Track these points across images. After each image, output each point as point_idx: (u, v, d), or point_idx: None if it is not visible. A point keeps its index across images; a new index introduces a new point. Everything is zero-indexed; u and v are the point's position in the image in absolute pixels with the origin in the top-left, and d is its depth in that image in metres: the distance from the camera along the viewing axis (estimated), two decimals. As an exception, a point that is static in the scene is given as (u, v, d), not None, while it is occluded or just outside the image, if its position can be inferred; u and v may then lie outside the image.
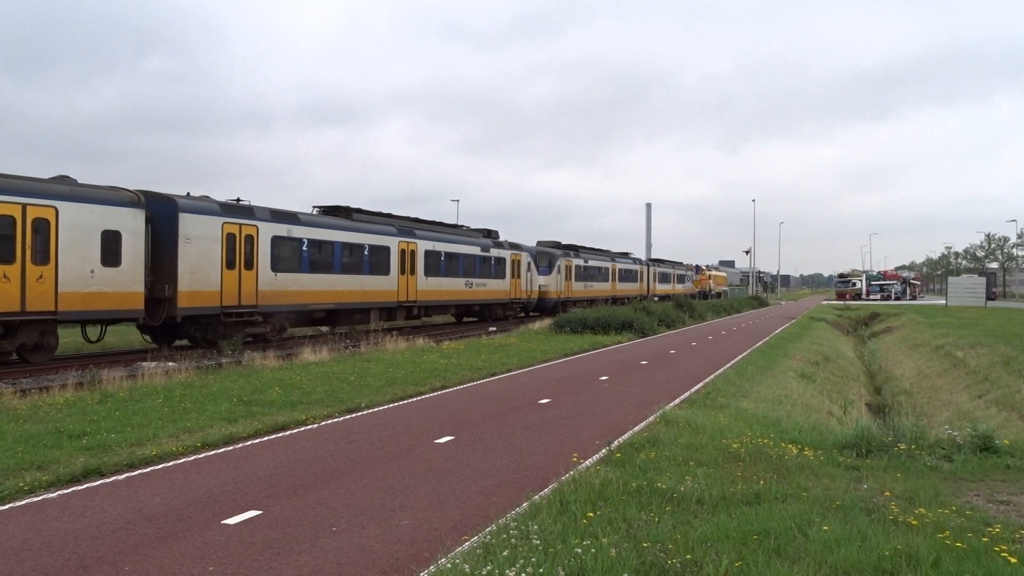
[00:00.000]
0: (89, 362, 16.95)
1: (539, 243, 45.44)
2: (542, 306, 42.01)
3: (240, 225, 21.12)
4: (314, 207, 26.95)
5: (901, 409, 20.81)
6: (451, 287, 32.08)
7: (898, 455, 8.83)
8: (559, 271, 43.04)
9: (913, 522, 6.14)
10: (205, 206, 20.30)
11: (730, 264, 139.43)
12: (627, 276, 56.17)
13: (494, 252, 36.00)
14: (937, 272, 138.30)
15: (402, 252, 28.42)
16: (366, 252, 26.36)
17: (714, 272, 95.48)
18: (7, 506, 6.97)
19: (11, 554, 5.75)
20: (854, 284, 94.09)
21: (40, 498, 7.23)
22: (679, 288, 70.97)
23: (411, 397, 13.62)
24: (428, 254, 30.22)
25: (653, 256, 78.31)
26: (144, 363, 16.50)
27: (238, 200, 22.24)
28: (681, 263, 78.87)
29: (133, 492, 7.44)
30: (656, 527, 5.96)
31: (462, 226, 36.41)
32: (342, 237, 25.26)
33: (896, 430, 9.76)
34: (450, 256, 31.90)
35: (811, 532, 5.82)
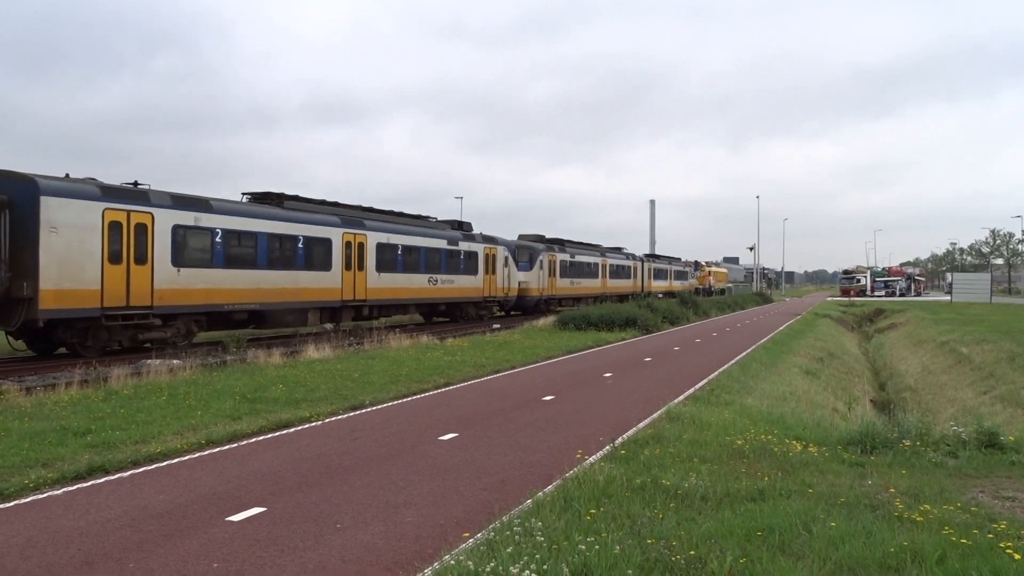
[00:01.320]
0: (94, 360, 16.96)
1: (521, 236, 42.22)
2: (522, 304, 39.11)
3: (128, 212, 17.97)
4: (243, 194, 23.90)
5: (906, 405, 20.80)
6: (410, 284, 28.79)
7: (903, 451, 8.81)
8: (541, 266, 39.84)
9: (918, 518, 6.12)
10: (78, 188, 17.38)
11: (734, 261, 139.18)
12: (619, 272, 52.88)
13: (463, 245, 32.56)
14: (942, 268, 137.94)
15: (347, 245, 25.14)
16: (300, 244, 23.17)
17: (714, 268, 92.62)
18: (12, 503, 7.00)
19: (16, 551, 5.77)
20: (859, 280, 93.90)
21: (45, 495, 7.26)
22: (676, 285, 67.86)
23: (415, 394, 13.63)
24: (381, 247, 26.96)
25: (656, 252, 77.84)
26: (149, 360, 16.53)
27: (135, 184, 19.22)
28: (679, 259, 75.89)
29: (138, 489, 7.46)
30: (660, 524, 5.95)
31: (428, 217, 32.67)
32: (268, 227, 21.99)
33: (901, 426, 9.74)
34: (408, 249, 28.64)
35: (815, 528, 5.81)
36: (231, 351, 18.77)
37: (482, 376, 16.26)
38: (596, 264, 48.43)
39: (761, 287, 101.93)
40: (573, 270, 44.63)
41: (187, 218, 19.68)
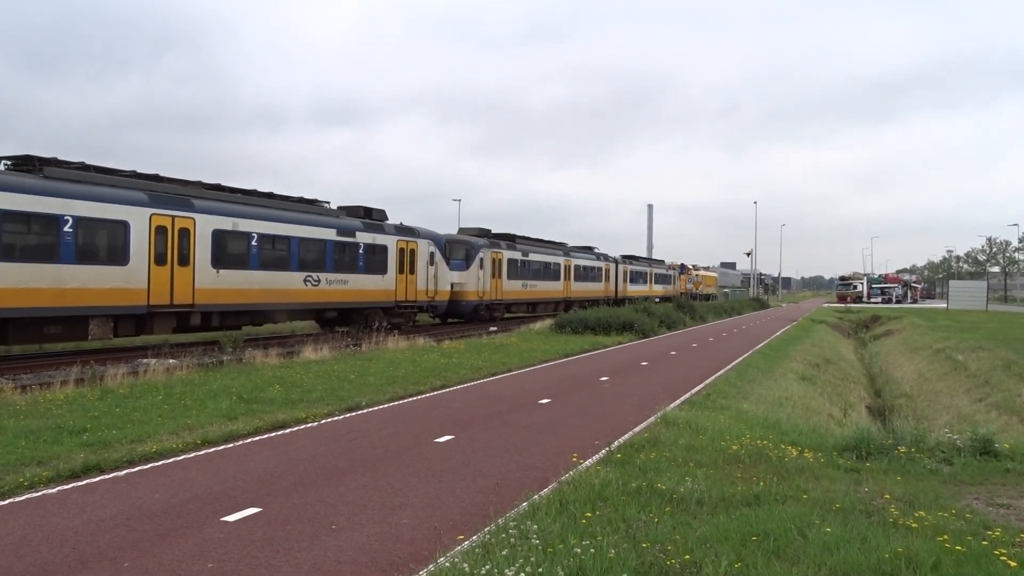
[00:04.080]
0: (90, 358, 16.93)
1: (461, 230, 36.54)
2: (457, 310, 33.39)
3: None
4: None
5: (901, 412, 20.81)
6: (272, 284, 21.96)
7: (898, 458, 8.83)
8: (481, 265, 33.90)
9: (913, 525, 6.14)
10: None
11: (731, 266, 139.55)
12: (587, 274, 47.15)
13: (364, 237, 25.87)
14: (938, 275, 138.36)
15: (159, 231, 18.57)
16: (67, 228, 16.74)
17: (702, 272, 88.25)
18: (7, 501, 6.98)
19: (10, 549, 5.75)
20: (855, 287, 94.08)
21: (40, 493, 7.24)
22: (658, 289, 62.98)
23: (411, 396, 13.63)
24: (220, 236, 20.28)
25: (653, 256, 77.44)
26: (145, 360, 16.51)
27: None
28: (662, 261, 71.45)
29: (133, 488, 7.45)
30: (655, 528, 5.96)
31: (318, 201, 25.72)
32: (4, 202, 15.64)
33: (896, 433, 9.76)
34: (270, 239, 21.97)
35: (811, 534, 5.82)
36: (227, 351, 18.75)
37: (479, 379, 16.25)
38: (557, 264, 42.53)
39: (758, 292, 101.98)
40: (526, 271, 38.69)
41: None
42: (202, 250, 19.84)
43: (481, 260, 34.05)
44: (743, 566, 5.16)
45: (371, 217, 27.40)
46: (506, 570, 4.86)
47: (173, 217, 19.14)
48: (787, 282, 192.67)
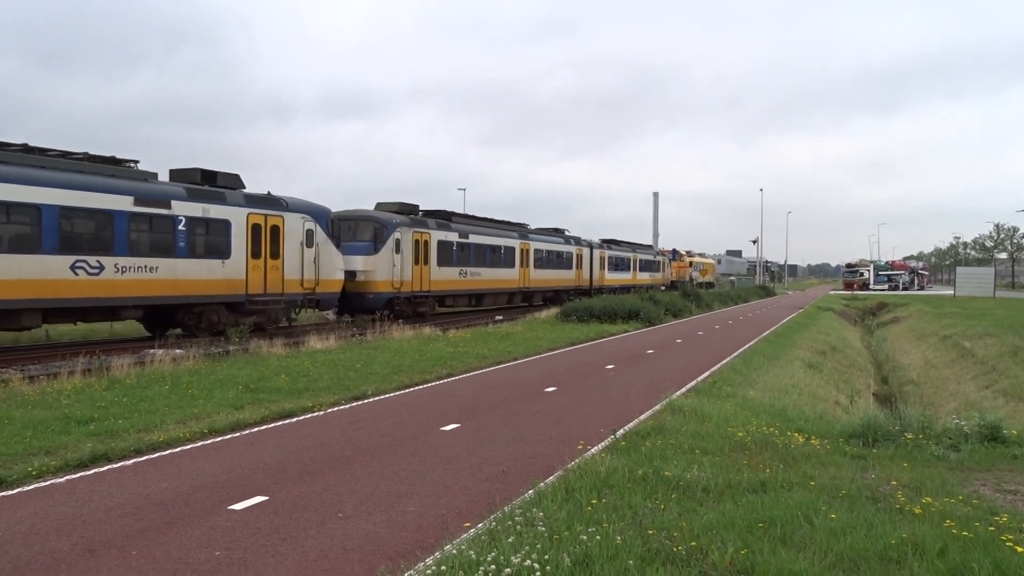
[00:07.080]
0: (97, 349, 16.98)
1: (379, 205, 29.14)
2: (363, 304, 26.17)
3: None
4: None
5: (908, 399, 20.78)
6: (12, 273, 15.26)
7: (905, 444, 8.80)
8: (398, 249, 26.92)
9: (919, 511, 6.12)
10: None
11: (737, 254, 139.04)
12: (551, 261, 40.21)
13: (186, 208, 18.79)
14: (946, 262, 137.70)
15: None
16: None
17: (698, 259, 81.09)
18: (15, 491, 7.02)
19: (19, 538, 5.79)
20: (862, 274, 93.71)
21: (48, 483, 7.28)
22: (644, 277, 56.00)
23: (417, 385, 13.65)
24: None
25: (661, 244, 76.68)
26: (151, 350, 16.57)
27: None
28: (650, 247, 65.19)
29: (140, 477, 7.48)
30: (661, 515, 5.96)
31: (120, 160, 18.80)
32: None
33: (903, 419, 9.72)
34: (2, 208, 15.23)
35: (817, 520, 5.81)
36: (234, 341, 18.79)
37: (484, 367, 16.27)
38: (510, 248, 35.64)
39: (764, 280, 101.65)
40: (465, 256, 31.76)
41: None
42: None
43: (397, 242, 27.02)
44: (749, 552, 5.16)
45: (214, 183, 20.44)
46: (512, 557, 4.86)
47: None
48: (793, 269, 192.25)
